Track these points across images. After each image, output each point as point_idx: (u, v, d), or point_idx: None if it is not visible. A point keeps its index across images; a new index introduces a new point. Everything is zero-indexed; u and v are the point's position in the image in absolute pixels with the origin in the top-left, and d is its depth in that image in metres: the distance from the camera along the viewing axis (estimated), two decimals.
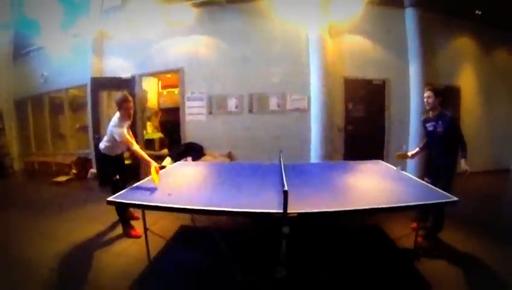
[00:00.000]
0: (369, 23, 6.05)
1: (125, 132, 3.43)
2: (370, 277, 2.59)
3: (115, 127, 3.39)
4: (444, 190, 2.95)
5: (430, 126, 3.34)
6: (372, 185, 3.04)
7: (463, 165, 3.08)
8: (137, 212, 3.69)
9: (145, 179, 3.17)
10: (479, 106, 6.81)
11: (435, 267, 2.74)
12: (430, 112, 3.32)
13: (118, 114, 3.50)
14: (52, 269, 2.78)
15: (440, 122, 3.20)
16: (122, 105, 3.45)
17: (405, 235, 3.11)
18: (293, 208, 2.03)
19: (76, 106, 7.73)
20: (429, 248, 3.09)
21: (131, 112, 3.56)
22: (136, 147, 3.40)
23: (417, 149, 3.65)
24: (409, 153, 3.68)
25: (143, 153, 3.39)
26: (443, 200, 2.42)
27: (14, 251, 3.19)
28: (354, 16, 5.93)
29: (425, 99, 3.29)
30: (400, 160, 3.85)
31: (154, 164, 3.12)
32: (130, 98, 3.53)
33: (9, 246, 3.31)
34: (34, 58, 8.02)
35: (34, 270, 2.76)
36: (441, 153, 3.27)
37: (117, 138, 3.38)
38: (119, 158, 3.84)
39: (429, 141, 3.47)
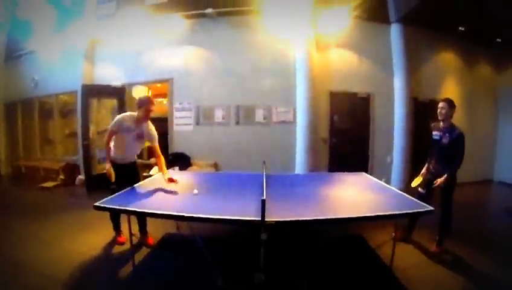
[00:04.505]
0: (356, 38, 6.20)
1: (115, 129, 3.30)
2: (347, 285, 2.67)
3: (118, 116, 3.39)
4: (444, 198, 3.23)
5: (436, 135, 3.43)
6: (351, 196, 3.10)
7: (442, 178, 3.19)
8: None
9: (131, 187, 3.23)
10: (462, 119, 6.93)
11: (414, 275, 2.81)
12: (441, 122, 3.40)
13: (131, 113, 3.47)
14: (39, 272, 2.82)
15: (447, 134, 3.28)
16: (144, 105, 3.34)
17: (384, 244, 3.22)
18: (272, 216, 2.11)
19: (66, 112, 7.71)
20: (405, 254, 3.20)
21: (150, 115, 3.46)
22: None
23: (425, 167, 3.64)
24: (421, 175, 3.61)
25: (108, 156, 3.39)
26: (418, 210, 2.53)
27: (1, 254, 3.21)
28: (341, 30, 6.09)
29: (438, 110, 3.37)
30: (418, 186, 3.61)
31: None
32: (154, 102, 3.50)
33: None
34: (26, 61, 8.02)
35: (21, 273, 2.80)
36: (440, 162, 3.37)
37: (109, 126, 3.39)
38: (129, 167, 3.55)
39: (431, 149, 3.55)
